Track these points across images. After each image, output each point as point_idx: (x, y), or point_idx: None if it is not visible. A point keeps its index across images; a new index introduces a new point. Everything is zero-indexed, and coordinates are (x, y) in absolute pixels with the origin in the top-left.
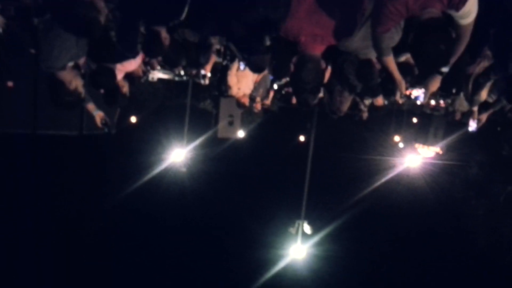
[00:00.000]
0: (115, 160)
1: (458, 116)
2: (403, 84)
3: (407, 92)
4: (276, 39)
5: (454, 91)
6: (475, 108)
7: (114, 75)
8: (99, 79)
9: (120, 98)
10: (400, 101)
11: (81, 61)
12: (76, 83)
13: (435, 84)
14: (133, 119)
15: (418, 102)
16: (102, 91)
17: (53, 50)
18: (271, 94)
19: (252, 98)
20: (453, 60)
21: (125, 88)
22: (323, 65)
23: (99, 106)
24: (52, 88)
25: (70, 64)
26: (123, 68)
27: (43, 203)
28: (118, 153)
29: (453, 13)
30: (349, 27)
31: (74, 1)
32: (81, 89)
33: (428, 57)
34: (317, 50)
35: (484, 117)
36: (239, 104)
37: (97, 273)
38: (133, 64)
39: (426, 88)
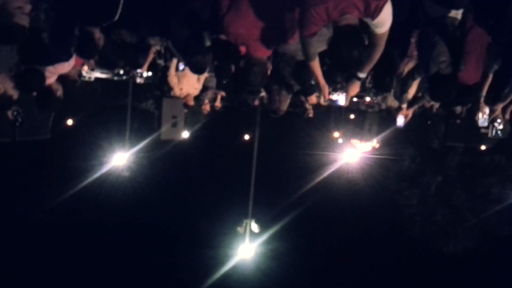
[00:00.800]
0: (51, 165)
1: (391, 111)
2: (326, 89)
3: (330, 96)
4: (218, 41)
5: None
6: (404, 105)
7: (43, 78)
8: (26, 82)
9: (54, 102)
10: (324, 104)
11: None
12: (5, 87)
13: (355, 88)
14: (70, 122)
15: (340, 104)
16: (34, 94)
17: None
18: (219, 95)
19: (200, 99)
20: (369, 67)
21: (59, 92)
22: (269, 67)
23: (33, 110)
24: None
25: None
26: (55, 71)
27: None
28: (54, 158)
29: (369, 21)
30: (294, 31)
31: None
32: (12, 92)
33: (342, 61)
34: (265, 53)
35: (410, 112)
36: (184, 104)
37: (38, 278)
38: (66, 67)
39: (347, 92)
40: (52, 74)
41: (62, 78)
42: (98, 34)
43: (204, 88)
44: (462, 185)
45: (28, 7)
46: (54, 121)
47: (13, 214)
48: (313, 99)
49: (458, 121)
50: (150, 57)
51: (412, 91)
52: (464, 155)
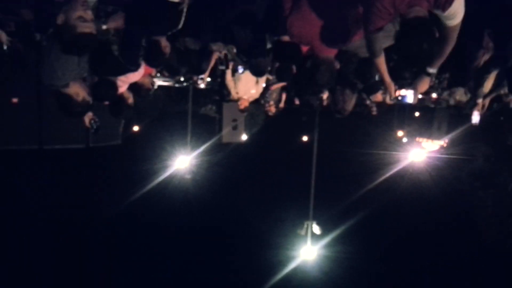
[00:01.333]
0: (120, 169)
1: (452, 103)
2: (392, 87)
3: (397, 93)
4: (279, 42)
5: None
6: (480, 101)
7: (115, 88)
8: (100, 92)
9: (126, 109)
10: (389, 102)
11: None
12: (82, 94)
13: (424, 85)
14: (136, 128)
15: (407, 101)
16: (106, 102)
17: (56, 71)
18: (284, 97)
19: (266, 101)
20: (440, 61)
21: (130, 100)
22: (337, 66)
23: (104, 117)
24: (60, 103)
25: (73, 81)
26: (127, 80)
27: (51, 217)
28: (123, 162)
29: (439, 13)
30: (358, 29)
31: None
32: (88, 98)
33: (411, 55)
34: (331, 52)
35: (486, 102)
36: (239, 108)
37: (105, 283)
38: (136, 76)
39: (415, 89)
40: (124, 83)
41: (135, 87)
42: (164, 43)
43: (269, 92)
44: None
45: (89, 14)
46: (123, 127)
47: (86, 216)
48: (378, 96)
49: None
50: (212, 62)
51: (488, 85)
52: None
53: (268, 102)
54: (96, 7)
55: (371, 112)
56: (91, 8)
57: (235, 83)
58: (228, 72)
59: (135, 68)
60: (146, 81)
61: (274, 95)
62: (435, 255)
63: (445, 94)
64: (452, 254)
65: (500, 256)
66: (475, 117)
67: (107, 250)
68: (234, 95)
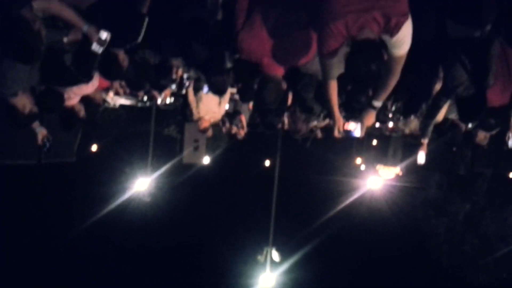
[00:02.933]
0: (75, 189)
1: (407, 133)
2: (341, 120)
3: (345, 127)
4: (238, 61)
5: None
6: (425, 141)
7: (62, 99)
8: (45, 102)
9: (76, 122)
10: (337, 136)
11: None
12: (29, 105)
13: (370, 118)
14: (94, 147)
15: (355, 135)
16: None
17: (6, 80)
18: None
19: (235, 125)
20: (384, 94)
21: (82, 113)
22: (284, 86)
23: (58, 132)
24: (8, 113)
25: (22, 91)
26: (79, 92)
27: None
28: (79, 182)
29: (387, 39)
30: (308, 50)
31: (13, 25)
32: (35, 110)
33: (358, 74)
34: (279, 71)
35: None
36: (199, 128)
37: None
38: (89, 88)
39: (362, 123)
40: (75, 95)
41: (86, 101)
42: (122, 55)
43: (236, 113)
44: (492, 212)
45: (38, 24)
46: (79, 145)
47: (37, 236)
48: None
49: (485, 146)
50: (177, 77)
51: (441, 114)
52: (493, 181)
53: (237, 125)
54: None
55: (316, 136)
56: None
57: (197, 103)
58: (190, 91)
59: (87, 79)
60: (98, 96)
61: (241, 119)
62: (391, 280)
63: (400, 123)
64: (407, 279)
65: (453, 281)
66: (421, 157)
67: (58, 271)
68: (195, 114)
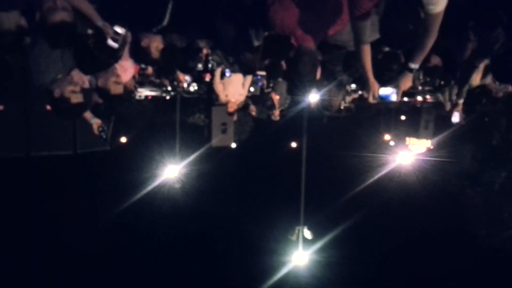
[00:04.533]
0: (109, 178)
1: (448, 107)
2: (376, 85)
3: (380, 92)
4: (270, 36)
5: (442, 83)
6: (461, 101)
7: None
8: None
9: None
10: (372, 101)
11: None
12: (76, 95)
13: (407, 82)
14: (123, 139)
15: (391, 99)
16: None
17: (40, 65)
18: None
19: (269, 107)
20: (422, 56)
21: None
22: (319, 57)
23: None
24: (54, 106)
25: (60, 76)
26: (122, 69)
27: (39, 224)
28: (112, 170)
29: None
30: (338, 18)
31: (43, 10)
32: (81, 100)
33: (396, 35)
34: (311, 43)
35: (460, 101)
36: (228, 111)
37: None
38: (127, 74)
39: (398, 87)
40: (123, 69)
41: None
42: (158, 40)
43: (265, 95)
44: None
45: (68, 9)
46: (112, 134)
47: (71, 226)
48: (364, 94)
49: None
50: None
51: (477, 78)
52: None
53: (268, 106)
54: None
55: (350, 110)
56: None
57: (224, 86)
58: (217, 75)
59: (114, 60)
60: (129, 83)
61: (278, 99)
62: (427, 257)
63: (432, 96)
64: (444, 255)
65: (492, 254)
66: (455, 118)
67: (97, 259)
68: (223, 97)
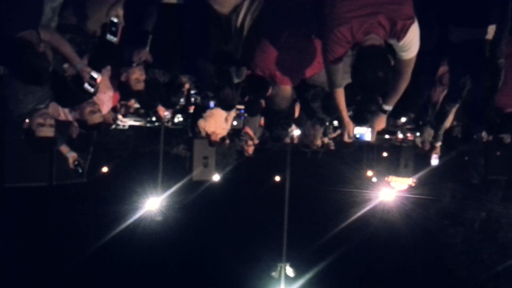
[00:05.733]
0: (87, 210)
1: (427, 147)
2: (351, 125)
3: (355, 131)
4: (250, 76)
5: (420, 123)
6: (438, 144)
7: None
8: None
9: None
10: (348, 141)
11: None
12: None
13: (381, 123)
14: (105, 169)
15: (365, 139)
16: (73, 135)
17: (18, 94)
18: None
19: (244, 142)
20: (395, 98)
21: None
22: (294, 96)
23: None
24: (27, 137)
25: (42, 106)
26: (100, 101)
27: (15, 257)
28: (90, 202)
29: (394, 43)
30: (315, 61)
31: (25, 50)
32: (53, 134)
33: (365, 82)
34: (290, 83)
35: (437, 144)
36: (210, 143)
37: None
38: (106, 97)
39: (372, 127)
40: (101, 102)
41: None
42: (138, 72)
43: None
44: (509, 220)
45: (43, 46)
46: (89, 166)
47: (48, 258)
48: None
49: (498, 153)
50: (184, 92)
51: (449, 120)
52: (507, 189)
53: (246, 142)
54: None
55: (329, 148)
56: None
57: (205, 120)
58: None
59: (88, 96)
60: (107, 115)
61: (256, 135)
62: None
63: (412, 134)
64: None
65: None
66: (434, 161)
67: None
68: (203, 133)
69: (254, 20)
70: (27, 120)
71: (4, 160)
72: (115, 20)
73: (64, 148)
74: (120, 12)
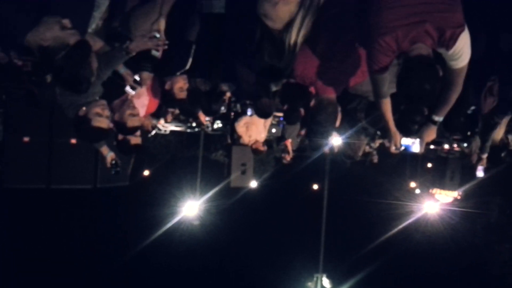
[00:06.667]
0: (128, 213)
1: (474, 159)
2: (398, 135)
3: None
4: (287, 84)
5: (469, 133)
6: (484, 155)
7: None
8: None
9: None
10: (394, 152)
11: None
12: (103, 119)
13: (431, 134)
14: (146, 172)
15: (413, 151)
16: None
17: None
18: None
19: (281, 149)
20: (446, 109)
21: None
22: (337, 106)
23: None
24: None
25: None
26: (136, 103)
27: (59, 257)
28: (131, 205)
29: (443, 52)
30: (358, 70)
31: (71, 60)
32: (109, 125)
33: (412, 95)
34: (331, 93)
35: (484, 156)
36: (254, 151)
37: None
38: (144, 109)
39: (421, 138)
40: (137, 105)
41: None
42: (182, 83)
43: (282, 138)
44: None
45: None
46: (132, 170)
47: (90, 261)
48: (386, 143)
49: None
50: (226, 100)
51: (500, 133)
52: None
53: (283, 150)
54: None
55: (373, 160)
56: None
57: (247, 127)
58: (242, 120)
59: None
60: (147, 122)
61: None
62: None
63: (461, 145)
64: None
65: None
66: (479, 172)
67: None
68: (246, 139)
69: (307, 36)
70: (84, 108)
71: (51, 162)
72: (157, 35)
73: (104, 149)
74: (162, 26)
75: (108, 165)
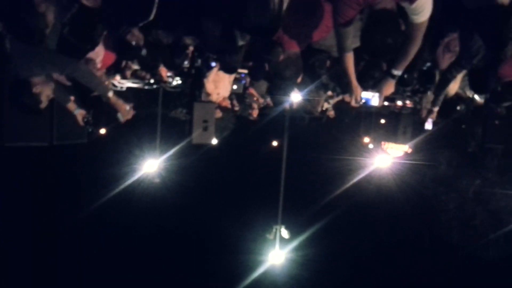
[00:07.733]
0: (86, 171)
1: (424, 114)
2: (359, 90)
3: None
4: (253, 40)
5: (421, 89)
6: (436, 109)
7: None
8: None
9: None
10: (355, 105)
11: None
12: (42, 89)
13: (389, 88)
14: (103, 131)
15: (372, 104)
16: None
17: (18, 62)
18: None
19: (248, 105)
20: (404, 63)
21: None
22: (301, 62)
23: (68, 115)
24: (28, 99)
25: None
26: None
27: (13, 215)
28: (89, 164)
29: (406, 6)
30: (323, 24)
31: (25, 11)
32: (44, 98)
33: (374, 47)
34: (295, 48)
35: (435, 109)
36: (221, 108)
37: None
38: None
39: (380, 92)
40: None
41: None
42: (137, 33)
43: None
44: (503, 188)
45: (43, 7)
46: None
47: (47, 217)
48: (346, 98)
49: (497, 122)
50: (189, 55)
51: (454, 87)
52: (503, 157)
53: (251, 105)
54: None
55: (329, 116)
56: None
57: (215, 84)
58: (211, 75)
59: (91, 47)
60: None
61: (257, 97)
62: (400, 259)
63: (413, 100)
64: (416, 256)
65: (462, 258)
66: (428, 125)
67: (75, 253)
68: (215, 97)
69: None
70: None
71: (4, 119)
72: None
73: (71, 106)
74: None
75: (81, 123)
